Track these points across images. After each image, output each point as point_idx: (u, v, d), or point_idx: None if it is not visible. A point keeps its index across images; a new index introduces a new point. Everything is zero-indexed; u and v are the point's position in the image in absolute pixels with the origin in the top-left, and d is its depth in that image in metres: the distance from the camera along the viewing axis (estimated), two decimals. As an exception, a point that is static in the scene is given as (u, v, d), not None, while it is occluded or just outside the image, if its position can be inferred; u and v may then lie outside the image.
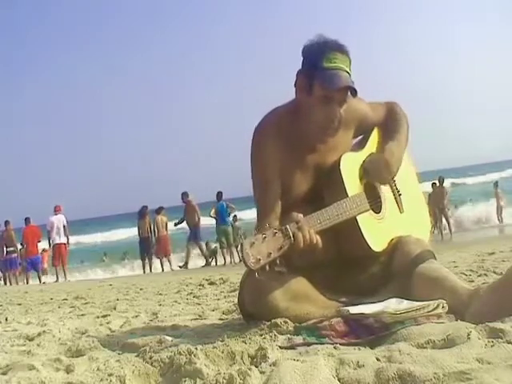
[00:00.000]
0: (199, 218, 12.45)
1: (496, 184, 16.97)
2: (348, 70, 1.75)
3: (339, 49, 1.75)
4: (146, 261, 12.78)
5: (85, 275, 13.62)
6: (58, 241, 12.19)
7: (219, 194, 12.28)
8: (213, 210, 12.43)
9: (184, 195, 12.50)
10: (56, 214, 12.25)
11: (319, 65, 1.74)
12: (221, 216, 12.29)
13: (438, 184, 14.10)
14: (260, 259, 1.41)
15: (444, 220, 13.79)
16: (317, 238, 1.56)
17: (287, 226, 1.49)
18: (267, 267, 1.43)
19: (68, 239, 12.60)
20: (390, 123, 2.04)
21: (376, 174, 1.89)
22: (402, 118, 2.05)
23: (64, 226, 12.24)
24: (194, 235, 12.38)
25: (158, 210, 13.18)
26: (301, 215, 1.56)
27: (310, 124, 1.81)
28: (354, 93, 1.75)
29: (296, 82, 1.83)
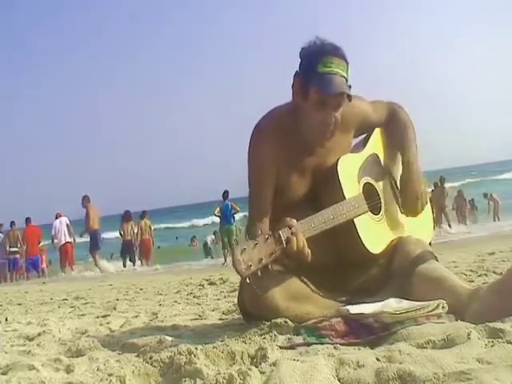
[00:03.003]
0: (98, 225, 12.19)
1: (486, 195, 17.35)
2: (344, 74, 1.73)
3: (335, 52, 1.74)
4: (128, 261, 12.99)
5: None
6: (63, 241, 12.44)
7: (225, 193, 12.23)
8: (217, 209, 12.42)
9: (84, 199, 12.12)
10: (58, 218, 12.52)
11: (315, 69, 1.73)
12: (224, 216, 12.26)
13: (439, 184, 14.21)
14: (251, 265, 1.40)
15: (444, 220, 13.84)
16: (308, 251, 1.55)
17: (280, 232, 1.48)
18: (259, 273, 1.43)
19: (74, 238, 12.83)
20: (397, 134, 2.01)
21: (411, 210, 1.92)
22: (408, 126, 2.03)
23: (68, 226, 12.51)
24: (91, 242, 12.17)
25: (142, 215, 13.41)
26: (294, 220, 1.55)
27: (307, 128, 1.80)
28: (349, 98, 1.74)
29: (293, 84, 1.82)
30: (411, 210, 1.92)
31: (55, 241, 12.51)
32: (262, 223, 1.75)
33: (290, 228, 1.51)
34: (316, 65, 1.72)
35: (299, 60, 1.81)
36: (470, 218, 16.16)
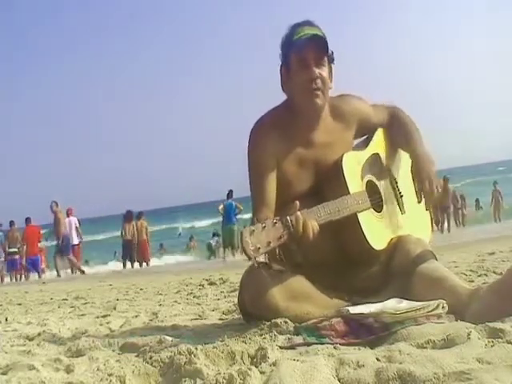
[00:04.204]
0: (64, 230, 12.06)
1: (495, 183, 17.03)
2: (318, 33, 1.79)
3: (306, 22, 1.83)
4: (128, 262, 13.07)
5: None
6: (71, 243, 12.36)
7: (230, 193, 12.26)
8: (221, 206, 12.48)
9: (52, 205, 11.97)
10: (68, 217, 12.46)
11: (291, 42, 1.81)
12: (227, 215, 12.28)
13: (442, 183, 14.17)
14: (259, 248, 1.40)
15: (446, 219, 13.82)
16: (317, 227, 1.55)
17: (287, 217, 1.49)
18: (266, 256, 1.42)
19: (81, 240, 12.84)
20: (402, 135, 2.02)
21: (429, 194, 1.91)
22: (410, 124, 2.04)
23: (76, 228, 12.48)
24: (61, 247, 12.04)
25: (139, 216, 13.48)
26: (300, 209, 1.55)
27: (296, 96, 1.84)
28: (325, 44, 1.78)
29: (280, 77, 1.89)
30: (428, 194, 1.91)
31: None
32: (267, 213, 1.75)
33: (297, 213, 1.51)
34: (291, 38, 1.81)
35: (280, 53, 1.89)
36: (466, 218, 16.04)
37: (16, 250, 12.73)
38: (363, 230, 1.78)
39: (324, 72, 1.82)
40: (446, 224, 13.86)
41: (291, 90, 1.87)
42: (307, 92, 1.81)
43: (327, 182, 1.85)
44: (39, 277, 12.47)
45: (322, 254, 1.72)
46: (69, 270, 12.16)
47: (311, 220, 1.54)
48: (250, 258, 1.41)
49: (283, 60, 1.87)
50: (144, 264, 13.04)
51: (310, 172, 1.88)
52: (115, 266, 13.45)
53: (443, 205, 13.68)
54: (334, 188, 1.81)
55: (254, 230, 1.40)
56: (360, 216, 1.78)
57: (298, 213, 1.51)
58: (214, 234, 16.50)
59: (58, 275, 11.81)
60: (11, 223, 12.95)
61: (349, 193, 1.78)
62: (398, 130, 2.03)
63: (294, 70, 1.82)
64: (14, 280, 12.52)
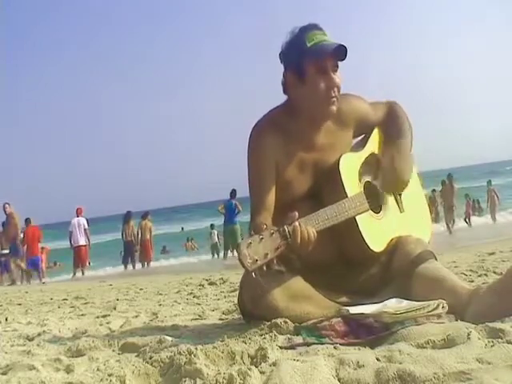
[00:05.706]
0: (18, 232, 11.62)
1: (490, 182, 17.01)
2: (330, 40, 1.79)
3: (314, 26, 1.82)
4: (129, 263, 13.06)
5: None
6: (78, 243, 12.34)
7: (233, 192, 12.25)
8: (221, 206, 12.46)
9: (5, 206, 11.53)
10: (78, 216, 12.40)
11: (305, 48, 1.78)
12: (228, 214, 12.26)
13: (447, 182, 14.19)
14: (257, 260, 1.40)
15: (449, 218, 13.82)
16: (314, 234, 1.55)
17: (284, 227, 1.49)
18: (264, 268, 1.43)
19: (89, 241, 12.69)
20: (392, 126, 2.02)
21: (392, 186, 1.92)
22: (404, 120, 2.04)
23: (85, 229, 12.38)
24: (15, 250, 11.64)
25: (144, 216, 13.46)
26: (296, 214, 1.56)
27: (311, 103, 1.82)
28: (344, 51, 1.77)
29: (284, 80, 1.87)
30: (391, 186, 1.91)
31: (72, 242, 12.38)
32: (266, 216, 1.75)
33: (294, 223, 1.51)
34: (304, 43, 1.79)
35: (283, 58, 1.87)
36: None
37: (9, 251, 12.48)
38: (362, 233, 1.77)
39: (339, 79, 1.81)
40: (450, 222, 13.83)
41: (302, 96, 1.83)
42: (325, 100, 1.79)
43: (325, 184, 1.85)
44: (39, 277, 12.39)
45: (321, 257, 1.72)
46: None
47: (309, 227, 1.54)
48: (247, 271, 1.42)
49: (294, 65, 1.82)
50: (145, 264, 13.04)
51: (310, 174, 1.88)
52: (119, 268, 13.41)
53: (448, 203, 13.67)
54: (332, 191, 1.81)
55: (251, 243, 1.41)
56: (358, 219, 1.78)
57: (296, 222, 1.51)
58: (211, 226, 16.63)
59: (14, 282, 11.17)
60: (4, 224, 12.35)
61: (346, 196, 1.77)
62: (392, 124, 2.03)
63: (311, 78, 1.79)
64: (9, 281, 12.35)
